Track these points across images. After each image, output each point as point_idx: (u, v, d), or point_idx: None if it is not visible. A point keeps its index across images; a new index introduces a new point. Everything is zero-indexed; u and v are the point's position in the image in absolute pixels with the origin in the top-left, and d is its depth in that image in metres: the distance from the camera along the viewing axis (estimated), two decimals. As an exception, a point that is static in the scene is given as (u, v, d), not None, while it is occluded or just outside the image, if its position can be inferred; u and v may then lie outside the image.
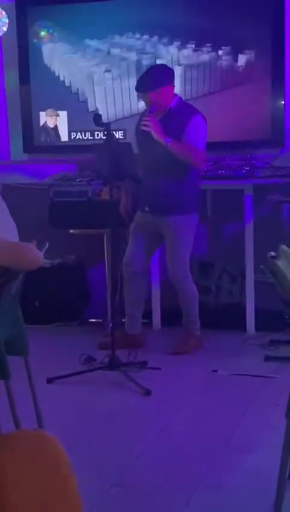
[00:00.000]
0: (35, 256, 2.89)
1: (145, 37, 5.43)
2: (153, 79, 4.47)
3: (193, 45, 5.33)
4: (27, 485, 0.85)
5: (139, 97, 4.79)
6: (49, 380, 4.00)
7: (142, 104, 4.97)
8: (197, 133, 4.48)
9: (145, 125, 4.39)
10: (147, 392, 3.86)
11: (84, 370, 4.17)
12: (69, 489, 0.90)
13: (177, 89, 5.28)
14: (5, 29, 5.46)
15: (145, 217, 4.61)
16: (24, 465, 0.87)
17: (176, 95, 4.63)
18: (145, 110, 4.64)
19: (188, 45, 5.33)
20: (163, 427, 3.46)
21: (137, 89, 4.63)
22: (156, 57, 5.38)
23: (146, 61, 5.39)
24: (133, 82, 5.03)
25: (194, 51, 5.33)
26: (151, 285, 5.12)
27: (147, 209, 4.59)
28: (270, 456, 2.68)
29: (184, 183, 4.50)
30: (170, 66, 4.88)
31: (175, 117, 4.47)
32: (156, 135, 4.36)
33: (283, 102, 5.19)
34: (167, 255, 4.65)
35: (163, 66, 4.83)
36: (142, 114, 4.70)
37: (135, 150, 4.55)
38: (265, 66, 5.22)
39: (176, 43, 5.37)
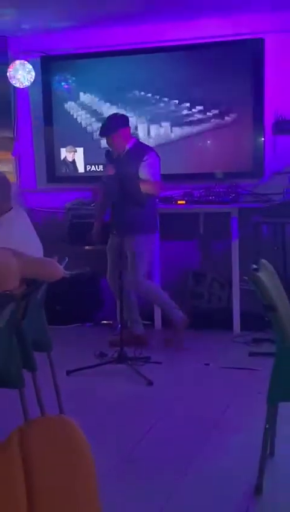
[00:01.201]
0: (57, 270, 2.92)
1: (149, 94, 5.49)
2: (113, 124, 4.49)
3: (189, 98, 5.38)
4: (52, 467, 0.86)
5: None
6: (68, 372, 3.99)
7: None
8: (153, 169, 4.48)
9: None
10: (150, 383, 3.86)
11: (97, 364, 4.17)
12: (88, 468, 0.91)
13: (178, 130, 5.31)
14: (32, 80, 5.51)
15: (114, 239, 4.53)
16: (49, 448, 0.88)
17: (132, 136, 4.65)
18: (107, 151, 4.51)
19: (186, 100, 5.39)
20: (165, 411, 3.47)
21: (101, 133, 4.63)
22: (157, 108, 5.45)
23: (148, 107, 5.46)
24: (136, 126, 5.09)
25: (191, 102, 5.38)
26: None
27: (114, 232, 4.51)
28: (254, 435, 2.68)
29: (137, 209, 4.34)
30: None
31: (133, 155, 4.47)
32: None
33: (262, 139, 5.23)
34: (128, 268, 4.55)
35: (118, 114, 4.76)
36: (106, 154, 4.55)
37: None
38: (248, 114, 5.26)
39: (173, 101, 5.43)
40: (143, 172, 4.46)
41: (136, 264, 4.53)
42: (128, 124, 4.59)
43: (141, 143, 4.74)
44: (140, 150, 4.55)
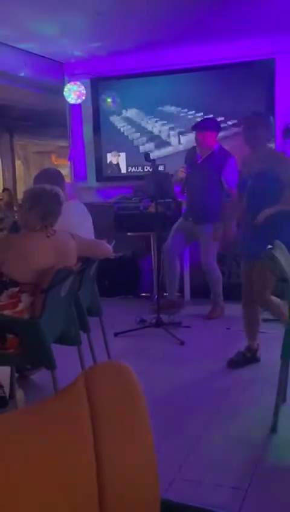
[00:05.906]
0: (107, 249, 2.91)
1: (179, 108, 5.40)
2: (204, 124, 4.36)
3: (212, 110, 5.27)
4: (112, 403, 0.85)
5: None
6: (116, 334, 4.01)
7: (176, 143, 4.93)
8: (233, 175, 4.18)
9: None
10: (182, 343, 3.85)
11: (139, 327, 4.18)
12: (141, 404, 0.89)
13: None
14: (83, 97, 5.49)
15: (187, 223, 4.49)
16: (110, 388, 0.87)
17: (218, 142, 4.44)
18: (193, 147, 4.42)
19: (210, 112, 5.28)
20: (195, 365, 3.45)
21: (192, 128, 4.49)
22: (186, 119, 5.35)
23: (179, 118, 5.38)
24: (169, 134, 5.01)
25: (214, 114, 5.25)
26: (183, 269, 5.08)
27: (190, 219, 4.47)
28: (270, 385, 2.64)
29: (213, 202, 4.35)
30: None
31: (216, 157, 4.32)
32: None
33: (273, 145, 5.11)
34: (201, 250, 4.52)
35: (213, 118, 4.64)
36: (190, 149, 4.48)
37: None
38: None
39: (196, 112, 5.34)
40: (223, 178, 4.30)
41: (210, 247, 4.45)
42: (217, 130, 4.39)
43: (224, 148, 4.44)
44: (223, 153, 4.34)
